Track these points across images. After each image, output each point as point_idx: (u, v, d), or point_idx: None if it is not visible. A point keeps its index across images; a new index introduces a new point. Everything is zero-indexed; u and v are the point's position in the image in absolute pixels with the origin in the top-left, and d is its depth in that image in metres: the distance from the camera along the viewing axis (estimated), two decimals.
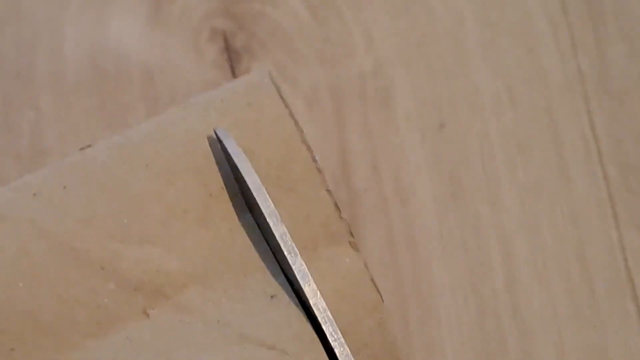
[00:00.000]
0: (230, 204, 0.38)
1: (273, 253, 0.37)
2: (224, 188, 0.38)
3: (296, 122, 0.38)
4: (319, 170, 0.38)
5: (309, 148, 0.38)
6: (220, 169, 0.38)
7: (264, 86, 0.39)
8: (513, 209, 0.46)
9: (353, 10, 0.49)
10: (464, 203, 0.46)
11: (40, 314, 0.36)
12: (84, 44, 0.49)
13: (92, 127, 0.47)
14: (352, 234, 0.38)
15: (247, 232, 0.38)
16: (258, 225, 0.38)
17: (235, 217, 0.38)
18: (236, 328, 0.36)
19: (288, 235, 0.36)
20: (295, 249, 0.36)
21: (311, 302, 0.35)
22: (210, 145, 0.38)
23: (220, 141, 0.37)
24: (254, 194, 0.36)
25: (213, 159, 0.38)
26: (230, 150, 0.37)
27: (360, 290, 0.37)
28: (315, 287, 0.35)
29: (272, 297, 0.37)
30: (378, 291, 0.37)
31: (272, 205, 0.36)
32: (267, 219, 0.36)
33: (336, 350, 0.35)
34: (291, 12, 0.49)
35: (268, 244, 0.37)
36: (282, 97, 0.39)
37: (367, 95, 0.48)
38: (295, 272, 0.35)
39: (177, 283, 0.37)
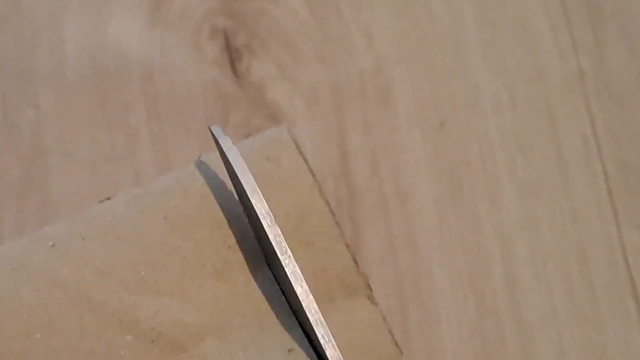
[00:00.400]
0: (247, 256, 0.38)
1: (290, 306, 0.37)
2: (242, 241, 0.38)
3: (314, 175, 0.38)
4: (337, 224, 0.38)
5: (327, 202, 0.38)
6: (238, 223, 0.38)
7: (283, 141, 0.39)
8: (513, 207, 0.46)
9: (353, 10, 0.49)
10: (464, 202, 0.46)
11: None
12: (84, 42, 0.48)
13: (92, 125, 0.47)
14: (370, 287, 0.37)
15: (264, 285, 0.38)
16: (275, 278, 0.38)
17: (253, 269, 0.38)
18: None
19: (282, 237, 0.36)
20: (290, 251, 0.36)
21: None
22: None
23: (215, 139, 0.37)
24: (248, 193, 0.36)
25: (231, 213, 0.38)
26: (224, 147, 0.36)
27: (378, 344, 0.37)
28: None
29: (289, 350, 0.37)
30: (396, 344, 0.37)
31: (267, 205, 0.36)
32: (262, 221, 0.36)
33: None
34: (291, 11, 0.49)
35: (285, 297, 0.37)
36: (300, 151, 0.39)
37: (367, 94, 0.48)
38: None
39: (194, 336, 0.37)
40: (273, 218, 0.36)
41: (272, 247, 0.36)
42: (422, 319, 0.44)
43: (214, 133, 0.37)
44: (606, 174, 0.46)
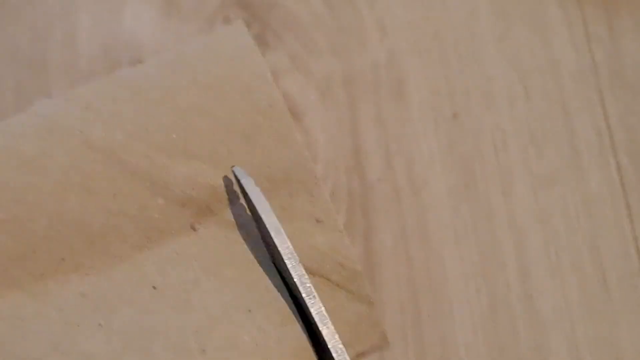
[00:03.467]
0: (278, 122, 0.38)
1: None
2: (272, 105, 0.38)
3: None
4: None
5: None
6: (268, 87, 0.38)
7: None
8: (526, 200, 0.46)
9: (367, 1, 0.49)
10: (477, 193, 0.46)
11: (89, 226, 0.37)
12: (97, 33, 0.48)
13: None
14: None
15: (292, 151, 0.39)
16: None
17: (282, 137, 0.38)
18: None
19: (306, 277, 0.36)
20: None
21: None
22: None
23: (238, 180, 0.37)
24: (272, 234, 0.36)
25: (263, 77, 0.38)
26: (247, 189, 0.37)
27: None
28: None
29: (317, 221, 0.38)
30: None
31: (290, 245, 0.36)
32: (286, 262, 0.36)
33: None
34: (305, 2, 0.49)
35: None
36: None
37: (380, 86, 0.48)
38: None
39: (223, 199, 0.38)
40: (297, 258, 0.36)
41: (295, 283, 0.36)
42: (435, 312, 0.44)
43: (237, 174, 0.37)
44: (619, 166, 0.46)
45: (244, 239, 0.38)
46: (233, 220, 0.38)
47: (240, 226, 0.38)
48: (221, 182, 0.38)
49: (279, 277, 0.37)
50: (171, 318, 0.36)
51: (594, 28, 0.49)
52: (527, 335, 0.43)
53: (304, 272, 0.36)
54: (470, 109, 0.47)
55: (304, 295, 0.36)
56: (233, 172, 0.37)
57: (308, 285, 0.36)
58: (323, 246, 0.38)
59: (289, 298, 0.37)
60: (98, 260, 0.37)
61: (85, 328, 0.36)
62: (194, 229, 0.38)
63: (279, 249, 0.36)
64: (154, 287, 0.37)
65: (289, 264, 0.36)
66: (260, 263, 0.37)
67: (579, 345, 0.43)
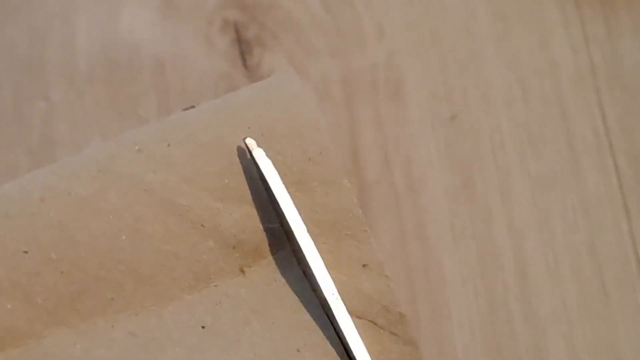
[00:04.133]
0: (328, 170, 0.39)
1: None
2: (322, 153, 0.38)
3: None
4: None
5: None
6: (318, 135, 0.39)
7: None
8: (524, 201, 0.46)
9: (365, 2, 0.49)
10: (475, 195, 0.46)
11: (140, 266, 0.37)
12: (96, 34, 0.48)
13: (103, 117, 0.47)
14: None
15: (340, 196, 0.39)
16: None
17: (332, 184, 0.39)
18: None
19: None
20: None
21: None
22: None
23: (249, 151, 0.38)
24: (278, 200, 0.37)
25: (314, 125, 0.39)
26: (258, 161, 0.37)
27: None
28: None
29: (363, 266, 0.38)
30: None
31: (295, 211, 0.37)
32: (291, 226, 0.37)
33: None
34: (303, 3, 0.49)
35: None
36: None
37: (378, 87, 0.48)
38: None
39: (274, 243, 0.38)
40: (300, 220, 0.37)
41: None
42: (433, 313, 0.44)
43: (249, 146, 0.37)
44: (617, 167, 0.46)
45: (293, 282, 0.38)
46: (282, 263, 0.38)
47: (289, 269, 0.38)
48: (270, 226, 0.39)
49: (326, 317, 0.38)
50: (220, 358, 0.36)
51: (592, 29, 0.49)
52: (525, 337, 0.43)
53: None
54: (468, 111, 0.47)
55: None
56: (245, 143, 0.38)
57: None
58: (369, 290, 0.38)
59: (335, 337, 0.37)
60: (148, 300, 0.37)
61: None
62: (243, 271, 0.38)
63: (284, 211, 0.37)
64: (203, 327, 0.37)
65: (294, 228, 0.37)
66: (308, 304, 0.38)
67: (577, 347, 0.43)
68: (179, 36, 0.48)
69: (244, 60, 0.48)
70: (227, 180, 0.38)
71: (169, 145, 0.38)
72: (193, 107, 0.39)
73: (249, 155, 0.38)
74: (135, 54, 0.48)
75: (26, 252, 0.37)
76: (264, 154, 0.37)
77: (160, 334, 0.37)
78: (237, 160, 0.38)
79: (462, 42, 0.49)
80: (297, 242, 0.37)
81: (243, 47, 0.48)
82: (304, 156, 0.39)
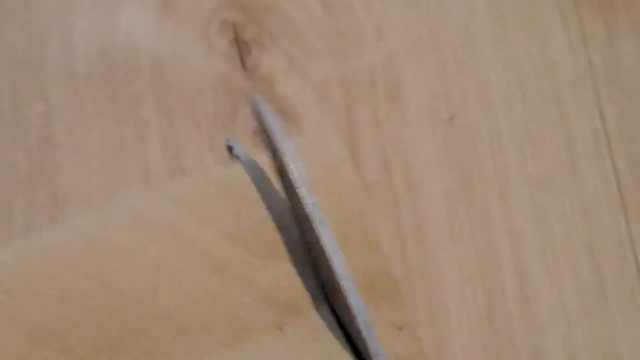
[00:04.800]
0: (366, 232, 0.39)
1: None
2: (361, 216, 0.39)
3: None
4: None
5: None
6: (359, 195, 0.39)
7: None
8: (522, 202, 0.46)
9: (363, 3, 0.49)
10: (474, 196, 0.46)
11: (178, 319, 0.37)
12: (94, 35, 0.48)
13: (102, 119, 0.47)
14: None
15: (377, 259, 0.39)
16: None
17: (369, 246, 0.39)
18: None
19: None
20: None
21: None
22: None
23: (258, 111, 0.37)
24: (283, 157, 0.36)
25: (353, 186, 0.39)
26: (264, 116, 0.37)
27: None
28: None
29: (397, 328, 0.39)
30: None
31: (308, 187, 0.36)
32: (297, 190, 0.36)
33: None
34: (302, 4, 0.49)
35: None
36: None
37: (377, 88, 0.48)
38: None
39: (311, 300, 0.38)
40: (311, 193, 0.36)
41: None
42: (431, 314, 0.44)
43: (256, 105, 0.37)
44: (616, 168, 0.46)
45: (330, 339, 0.38)
46: (320, 321, 0.38)
47: (327, 327, 0.38)
48: (309, 284, 0.39)
49: None
50: None
51: (591, 30, 0.49)
52: (524, 338, 0.43)
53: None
54: (467, 111, 0.47)
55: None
56: (253, 101, 0.38)
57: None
58: (402, 353, 0.39)
59: None
60: (184, 354, 0.37)
61: None
62: (280, 328, 0.38)
63: (292, 178, 0.36)
64: None
65: (300, 191, 0.36)
66: None
67: (575, 347, 0.43)
68: (177, 37, 0.48)
69: (242, 61, 0.48)
70: (268, 237, 0.38)
71: (207, 198, 0.39)
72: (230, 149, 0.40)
73: (255, 116, 0.37)
74: (134, 55, 0.48)
75: (66, 300, 0.37)
76: (272, 111, 0.37)
77: None
78: (278, 215, 0.38)
79: (460, 43, 0.49)
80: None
81: (242, 48, 0.48)
82: (344, 219, 0.39)
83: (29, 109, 0.47)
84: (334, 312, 0.38)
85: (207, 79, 0.48)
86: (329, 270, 0.36)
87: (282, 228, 0.39)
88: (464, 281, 0.44)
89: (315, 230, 0.36)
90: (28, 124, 0.47)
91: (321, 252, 0.36)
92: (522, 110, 0.47)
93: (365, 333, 0.36)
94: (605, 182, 0.46)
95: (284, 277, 0.38)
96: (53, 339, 0.36)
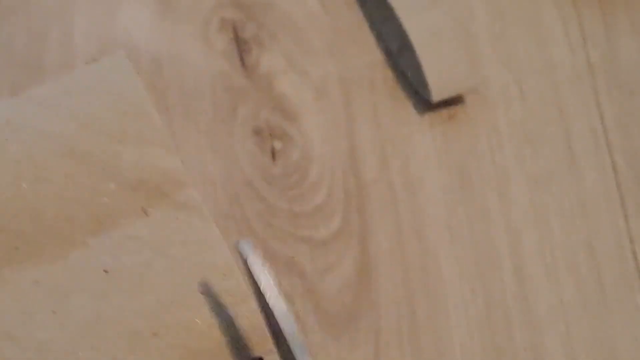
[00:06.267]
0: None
1: None
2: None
3: None
4: None
5: None
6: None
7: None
8: (522, 200, 0.46)
9: (362, 1, 0.49)
10: (473, 194, 0.46)
11: (42, 214, 0.38)
12: (93, 34, 0.48)
13: None
14: None
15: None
16: None
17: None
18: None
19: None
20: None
21: None
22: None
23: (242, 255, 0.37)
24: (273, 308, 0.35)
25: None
26: (250, 263, 0.36)
27: None
28: None
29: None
30: None
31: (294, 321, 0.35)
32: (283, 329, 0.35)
33: None
34: (301, 2, 0.49)
35: None
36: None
37: (376, 86, 0.48)
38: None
39: (176, 182, 0.38)
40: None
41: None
42: (430, 312, 0.44)
43: (242, 249, 0.36)
44: (615, 166, 0.46)
45: (196, 220, 0.38)
46: (185, 202, 0.38)
47: (192, 207, 0.38)
48: (173, 166, 0.39)
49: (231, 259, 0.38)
50: (123, 302, 0.37)
51: (590, 28, 0.49)
52: (523, 335, 0.43)
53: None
54: (466, 110, 0.47)
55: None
56: (238, 247, 0.36)
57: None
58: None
59: (242, 275, 0.37)
60: (51, 247, 0.37)
61: (39, 316, 0.36)
62: (145, 212, 0.38)
63: (273, 310, 0.35)
64: (106, 271, 0.37)
65: (295, 349, 0.35)
66: (213, 243, 0.38)
67: (574, 345, 0.43)
68: (176, 36, 0.48)
69: (242, 59, 0.48)
70: (127, 125, 0.39)
71: (72, 95, 0.39)
72: (95, 60, 0.41)
73: (242, 262, 0.36)
74: (133, 53, 0.48)
75: None
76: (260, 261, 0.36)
77: (64, 280, 0.37)
78: (137, 103, 0.39)
79: (459, 41, 0.49)
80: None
81: (241, 47, 0.48)
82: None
83: None
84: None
85: (206, 77, 0.48)
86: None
87: (142, 113, 0.39)
88: (463, 279, 0.44)
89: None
90: None
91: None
92: (521, 109, 0.47)
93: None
94: (604, 180, 0.46)
95: (148, 160, 0.39)
96: None
